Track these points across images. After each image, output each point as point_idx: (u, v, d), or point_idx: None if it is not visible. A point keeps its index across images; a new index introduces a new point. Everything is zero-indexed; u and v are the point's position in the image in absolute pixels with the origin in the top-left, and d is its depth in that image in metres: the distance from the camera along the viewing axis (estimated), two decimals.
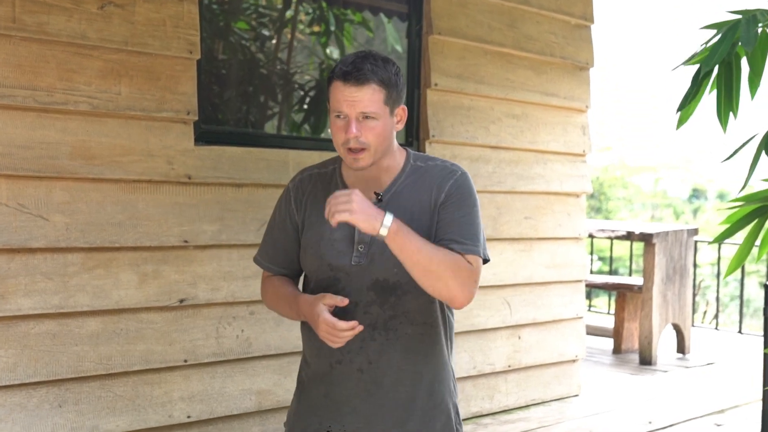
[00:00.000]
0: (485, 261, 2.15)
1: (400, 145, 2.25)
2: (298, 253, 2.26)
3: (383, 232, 1.97)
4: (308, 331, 2.22)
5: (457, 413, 2.27)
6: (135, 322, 3.19)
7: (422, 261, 2.01)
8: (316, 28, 4.08)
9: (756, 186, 2.31)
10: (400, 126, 2.17)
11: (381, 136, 2.09)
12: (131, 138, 3.16)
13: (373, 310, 2.13)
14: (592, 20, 4.90)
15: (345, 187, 2.20)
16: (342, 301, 2.06)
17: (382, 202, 2.14)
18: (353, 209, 1.95)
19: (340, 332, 2.03)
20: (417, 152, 2.27)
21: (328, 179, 2.24)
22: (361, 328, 2.05)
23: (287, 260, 2.28)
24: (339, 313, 2.10)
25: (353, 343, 2.11)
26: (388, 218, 1.97)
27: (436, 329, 2.19)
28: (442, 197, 2.13)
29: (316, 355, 2.22)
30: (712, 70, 2.09)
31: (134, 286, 3.18)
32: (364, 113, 2.05)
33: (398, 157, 2.20)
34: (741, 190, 2.14)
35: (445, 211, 2.13)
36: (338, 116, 2.07)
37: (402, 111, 2.15)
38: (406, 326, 2.14)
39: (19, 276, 2.92)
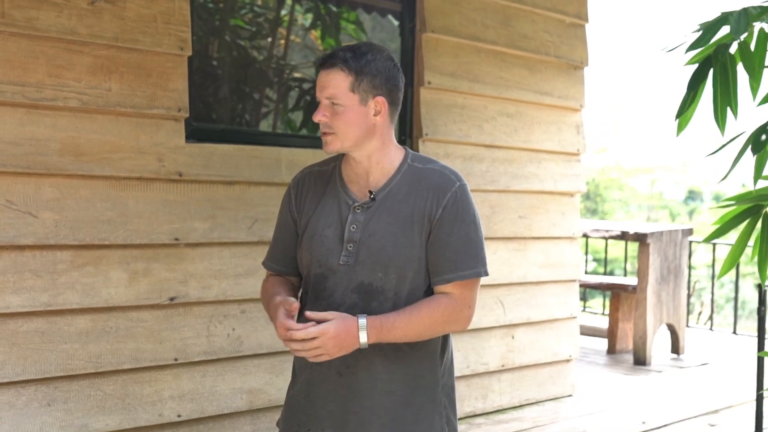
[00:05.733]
0: (486, 274, 2.15)
1: (400, 144, 2.23)
2: (292, 250, 2.26)
3: (365, 343, 2.02)
4: None
5: (449, 425, 2.20)
6: (125, 320, 3.17)
7: (414, 335, 2.07)
8: (315, 33, 4.06)
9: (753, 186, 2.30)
10: (380, 119, 2.12)
11: (349, 124, 2.09)
12: (121, 135, 3.14)
13: (355, 313, 2.09)
14: (586, 19, 4.88)
15: (343, 184, 2.19)
16: (291, 305, 2.03)
17: (375, 201, 2.12)
18: (330, 352, 2.00)
19: (292, 334, 1.99)
20: (416, 153, 2.23)
21: (327, 177, 2.24)
22: (310, 330, 1.98)
23: (288, 258, 2.28)
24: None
25: None
26: (363, 334, 2.01)
27: (421, 341, 2.13)
28: (439, 212, 2.10)
29: (300, 358, 2.21)
30: (707, 71, 2.07)
31: (124, 283, 3.16)
32: (329, 98, 2.09)
33: (394, 155, 2.17)
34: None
35: (440, 229, 2.10)
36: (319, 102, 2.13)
37: (380, 102, 2.11)
38: None
39: (8, 273, 2.89)
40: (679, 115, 2.16)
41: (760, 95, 2.08)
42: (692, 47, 1.98)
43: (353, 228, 2.12)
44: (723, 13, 2.01)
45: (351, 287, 2.11)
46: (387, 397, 2.12)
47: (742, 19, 1.89)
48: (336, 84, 2.09)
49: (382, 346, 2.08)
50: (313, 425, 2.17)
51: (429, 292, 2.14)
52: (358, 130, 2.11)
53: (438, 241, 2.10)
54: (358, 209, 2.13)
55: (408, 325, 2.04)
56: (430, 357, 2.17)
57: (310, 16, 4.04)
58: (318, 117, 2.10)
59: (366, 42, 2.19)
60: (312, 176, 2.27)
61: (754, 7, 2.03)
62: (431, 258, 2.10)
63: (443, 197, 2.10)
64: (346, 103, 2.09)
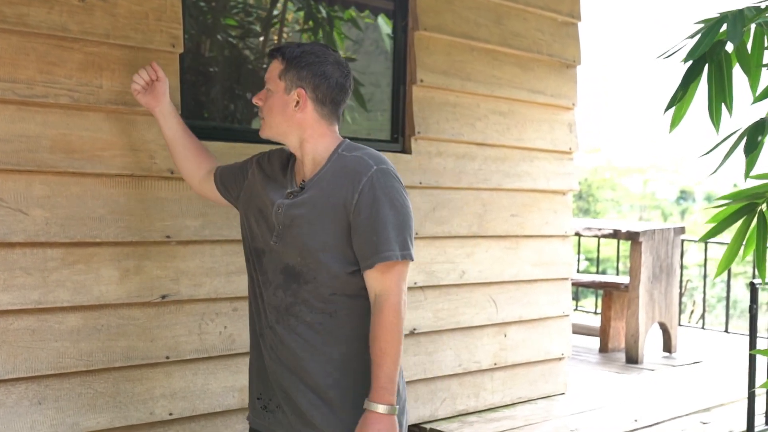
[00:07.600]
0: (409, 258, 2.20)
1: (350, 139, 2.34)
2: (232, 187, 2.61)
3: (391, 408, 2.14)
4: (250, 302, 2.42)
5: (403, 409, 2.27)
6: (116, 318, 3.15)
7: (396, 354, 2.17)
8: (306, 33, 4.05)
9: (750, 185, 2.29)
10: (301, 111, 2.25)
11: (271, 109, 2.27)
12: (113, 132, 3.12)
13: (279, 293, 2.25)
14: (579, 18, 4.89)
15: (292, 170, 2.35)
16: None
17: (303, 190, 2.25)
18: None
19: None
20: (352, 142, 2.31)
21: (284, 162, 2.41)
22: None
23: (226, 177, 2.64)
24: (256, 288, 2.33)
25: (269, 319, 2.27)
26: (381, 407, 2.13)
27: (338, 320, 2.23)
28: (356, 197, 2.16)
29: (251, 325, 2.43)
30: (701, 68, 2.07)
31: (115, 281, 3.14)
32: (266, 82, 2.29)
33: (326, 145, 2.28)
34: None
35: (359, 215, 2.16)
36: None
37: (300, 95, 2.24)
38: (306, 314, 2.22)
39: None
40: (668, 108, 2.16)
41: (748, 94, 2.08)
42: (691, 54, 1.97)
43: (280, 212, 2.27)
44: (719, 15, 2.00)
45: (279, 267, 2.26)
46: (314, 373, 2.23)
47: (738, 23, 1.88)
48: (271, 69, 2.27)
49: (304, 325, 2.22)
50: (264, 391, 2.36)
51: (356, 275, 2.21)
52: (279, 118, 2.26)
53: (358, 226, 2.17)
54: (289, 196, 2.28)
55: (384, 359, 2.13)
56: (351, 334, 2.25)
57: (302, 15, 4.02)
58: (255, 99, 2.30)
59: (319, 42, 2.41)
60: (278, 155, 2.44)
61: (749, 8, 2.02)
62: (355, 245, 2.18)
63: (359, 183, 2.17)
64: (274, 89, 2.25)
